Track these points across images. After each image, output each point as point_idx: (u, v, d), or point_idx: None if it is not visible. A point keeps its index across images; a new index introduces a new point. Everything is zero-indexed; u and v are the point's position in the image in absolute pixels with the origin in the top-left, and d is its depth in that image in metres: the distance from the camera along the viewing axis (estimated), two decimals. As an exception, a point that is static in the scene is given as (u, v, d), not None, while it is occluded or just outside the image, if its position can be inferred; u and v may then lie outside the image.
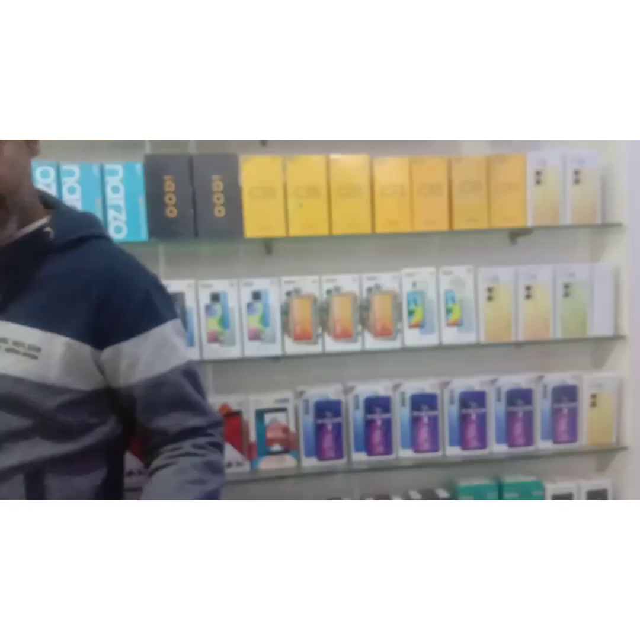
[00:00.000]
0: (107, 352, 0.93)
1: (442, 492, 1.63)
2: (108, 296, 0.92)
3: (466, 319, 1.59)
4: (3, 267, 0.90)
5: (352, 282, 1.56)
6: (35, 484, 0.88)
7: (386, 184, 1.53)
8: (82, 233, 0.96)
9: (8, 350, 0.86)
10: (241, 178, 1.48)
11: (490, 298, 1.60)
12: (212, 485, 0.95)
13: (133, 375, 0.94)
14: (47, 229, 0.93)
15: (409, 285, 1.57)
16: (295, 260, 1.61)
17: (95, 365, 0.93)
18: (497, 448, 1.62)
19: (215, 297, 1.50)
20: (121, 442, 1.03)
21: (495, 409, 1.62)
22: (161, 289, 1.02)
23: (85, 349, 0.91)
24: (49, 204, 1.00)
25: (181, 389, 0.97)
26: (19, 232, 0.92)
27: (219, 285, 1.50)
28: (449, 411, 1.61)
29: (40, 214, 0.96)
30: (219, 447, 1.01)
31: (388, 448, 1.60)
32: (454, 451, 1.61)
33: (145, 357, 0.94)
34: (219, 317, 1.50)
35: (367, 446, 1.59)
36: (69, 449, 0.91)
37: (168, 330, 0.98)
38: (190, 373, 0.99)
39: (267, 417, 1.54)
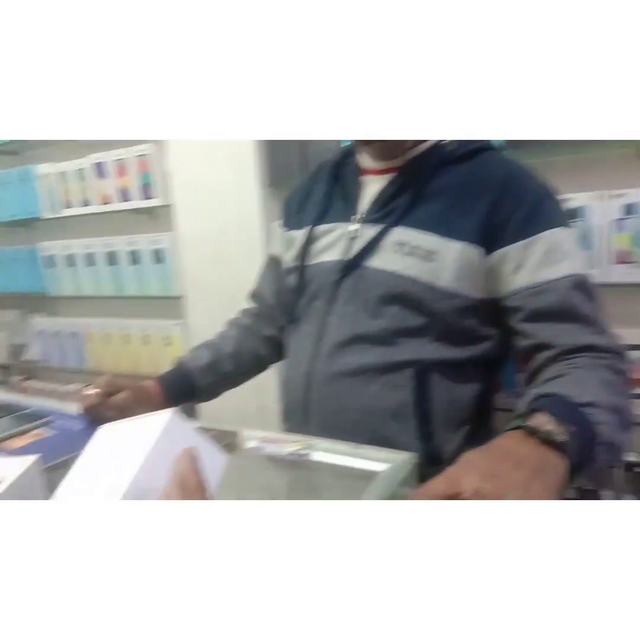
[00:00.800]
0: (495, 256, 0.90)
1: None
2: (500, 197, 0.91)
3: None
4: (407, 179, 0.97)
5: None
6: (422, 381, 0.92)
7: None
8: (477, 145, 0.99)
9: (407, 253, 0.92)
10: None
11: None
12: (624, 403, 0.76)
13: (515, 280, 0.89)
14: (446, 142, 0.99)
15: None
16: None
17: (483, 271, 0.91)
18: None
19: (575, 213, 1.34)
20: (502, 361, 1.01)
21: None
22: (554, 195, 0.95)
23: (477, 253, 0.90)
24: None
25: (570, 300, 0.85)
26: (421, 147, 0.99)
27: (580, 198, 1.34)
28: None
29: None
30: (623, 376, 0.81)
31: None
32: None
33: (531, 262, 0.87)
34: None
35: None
36: (455, 355, 0.93)
37: (561, 235, 0.89)
38: (584, 286, 0.86)
39: (632, 355, 1.33)
